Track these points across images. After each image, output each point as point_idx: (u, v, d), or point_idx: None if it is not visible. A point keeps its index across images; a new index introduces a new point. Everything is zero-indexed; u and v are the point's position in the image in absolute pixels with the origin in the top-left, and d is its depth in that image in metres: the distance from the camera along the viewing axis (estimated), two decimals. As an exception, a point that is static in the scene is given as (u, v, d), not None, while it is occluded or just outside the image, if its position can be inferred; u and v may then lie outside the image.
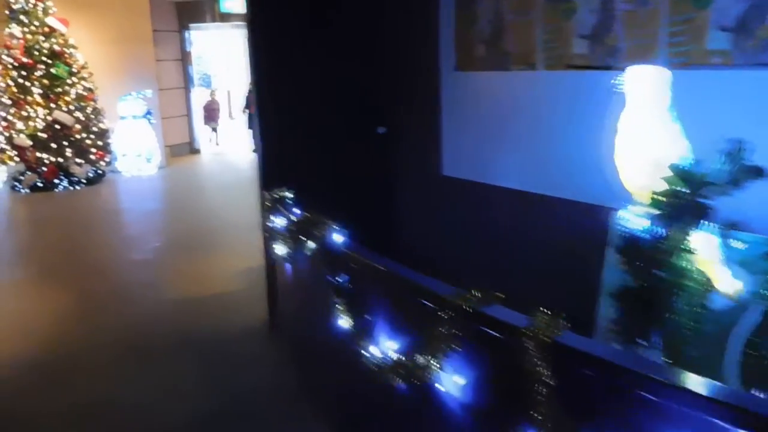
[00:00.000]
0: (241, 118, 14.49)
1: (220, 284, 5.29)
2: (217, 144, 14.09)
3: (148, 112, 10.96)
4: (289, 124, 4.08)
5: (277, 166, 4.05)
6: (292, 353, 3.74)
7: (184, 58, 12.91)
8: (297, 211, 3.28)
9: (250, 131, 12.47)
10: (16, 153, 9.68)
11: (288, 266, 3.54)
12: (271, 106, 4.08)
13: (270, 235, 3.74)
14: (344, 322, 2.61)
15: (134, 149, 10.73)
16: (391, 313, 2.37)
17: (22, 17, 9.60)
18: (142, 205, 8.88)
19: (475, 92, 3.40)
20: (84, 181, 9.97)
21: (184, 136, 12.92)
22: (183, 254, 6.24)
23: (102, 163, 10.28)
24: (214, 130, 14.13)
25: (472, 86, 3.42)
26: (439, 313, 1.97)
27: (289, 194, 3.72)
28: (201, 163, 11.99)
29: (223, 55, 16.48)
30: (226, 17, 12.58)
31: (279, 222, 3.61)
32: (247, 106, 12.35)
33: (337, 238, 2.82)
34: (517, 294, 1.92)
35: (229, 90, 16.43)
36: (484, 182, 3.50)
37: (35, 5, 9.69)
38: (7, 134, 9.68)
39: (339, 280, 2.67)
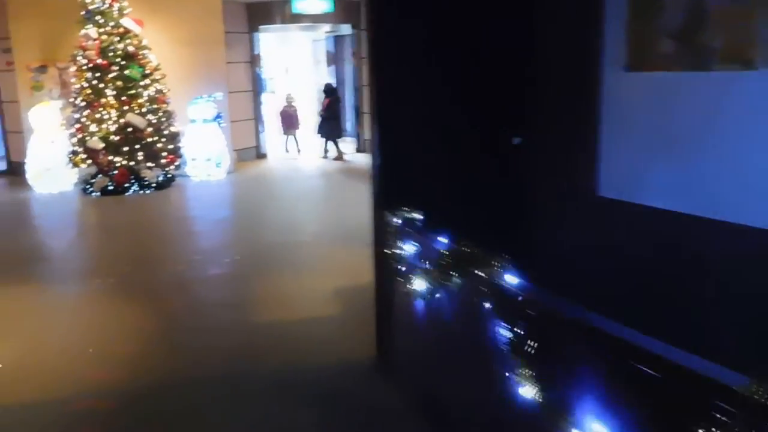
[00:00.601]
0: (311, 124, 14.23)
1: (309, 308, 4.81)
2: (298, 152, 13.10)
3: (219, 116, 10.67)
4: (410, 133, 3.57)
5: (396, 181, 3.54)
6: (421, 409, 3.19)
7: (253, 61, 12.62)
8: (443, 240, 2.75)
9: (322, 138, 12.28)
10: (88, 156, 9.49)
11: (419, 303, 3.02)
12: (391, 113, 3.59)
13: (395, 263, 3.24)
14: (524, 389, 2.07)
15: (204, 153, 10.44)
16: (604, 386, 1.82)
17: (97, 18, 9.41)
18: (215, 213, 8.55)
19: (654, 97, 2.82)
20: (154, 185, 9.72)
21: (251, 141, 12.62)
22: (264, 270, 5.80)
23: (172, 167, 10.01)
24: (293, 138, 13.26)
25: (649, 90, 2.84)
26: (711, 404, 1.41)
27: (418, 216, 3.21)
28: (269, 168, 11.64)
29: (289, 57, 16.17)
30: (296, 18, 12.22)
31: (408, 249, 3.10)
32: (326, 112, 12.12)
33: (510, 279, 2.29)
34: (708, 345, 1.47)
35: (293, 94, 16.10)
36: (653, 206, 2.91)
37: (111, 6, 9.49)
38: (80, 137, 9.49)
39: (517, 333, 2.12)
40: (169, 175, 10.10)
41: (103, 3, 9.44)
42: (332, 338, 4.22)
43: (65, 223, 8.41)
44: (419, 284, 2.95)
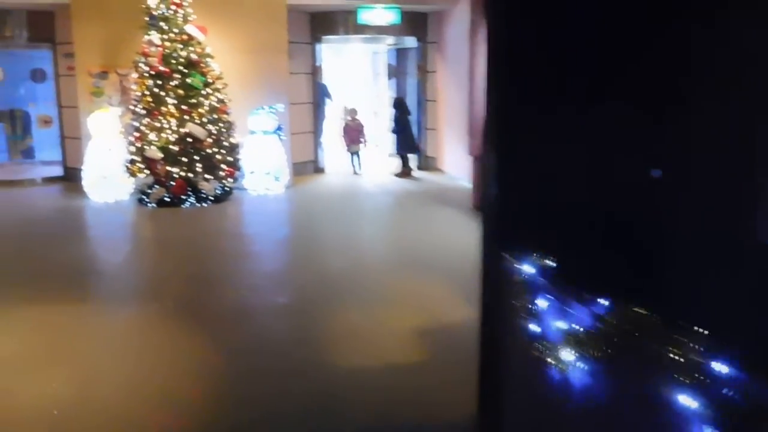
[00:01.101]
0: (381, 140, 13.79)
1: (390, 350, 4.29)
2: (359, 171, 12.03)
3: (279, 128, 10.29)
4: (535, 160, 3.01)
5: (516, 217, 2.98)
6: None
7: (314, 72, 12.25)
8: (602, 301, 2.18)
9: (398, 153, 11.76)
10: (145, 165, 9.19)
11: (556, 373, 2.45)
12: (512, 135, 3.03)
13: (516, 316, 2.68)
14: None
15: (263, 167, 10.06)
16: None
17: (161, 24, 9.13)
18: (275, 231, 8.13)
19: None
20: (211, 198, 9.37)
21: (309, 154, 12.22)
22: (333, 301, 5.30)
23: (230, 179, 9.64)
24: (356, 154, 12.17)
25: None
26: None
27: (551, 263, 2.65)
28: (329, 184, 11.18)
29: (347, 69, 15.78)
30: (361, 29, 11.81)
31: (541, 304, 2.54)
32: (396, 126, 11.48)
33: (720, 367, 1.71)
34: None
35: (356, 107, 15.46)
36: None
37: (176, 12, 9.21)
38: (138, 145, 9.20)
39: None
40: (226, 188, 9.75)
41: (168, 9, 9.17)
42: (421, 390, 3.68)
43: (120, 235, 8.10)
44: (553, 349, 2.39)
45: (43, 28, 11.39)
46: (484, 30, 7.62)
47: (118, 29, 10.20)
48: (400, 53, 14.02)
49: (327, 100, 13.55)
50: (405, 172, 11.72)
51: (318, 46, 12.23)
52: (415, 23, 12.08)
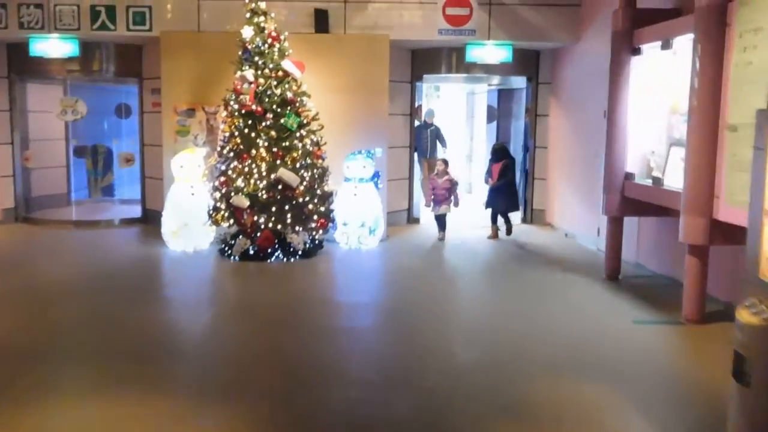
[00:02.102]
0: (475, 191, 12.49)
1: None
2: (442, 236, 9.70)
3: (376, 174, 9.19)
4: None
5: None
6: None
7: (413, 113, 11.17)
8: None
9: (493, 212, 9.91)
10: (230, 214, 8.22)
11: None
12: None
13: None
14: None
15: (357, 217, 8.94)
16: None
17: (256, 59, 8.24)
18: (378, 299, 6.92)
19: None
20: (300, 252, 8.30)
21: (403, 202, 11.07)
22: (478, 417, 4.00)
23: (321, 231, 8.56)
24: (442, 218, 9.68)
25: None
26: None
27: None
28: (426, 238, 9.91)
29: (443, 111, 14.64)
30: (467, 68, 10.67)
31: None
32: (501, 178, 9.68)
33: None
34: None
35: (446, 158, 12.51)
36: None
37: (272, 46, 8.31)
38: (224, 191, 8.26)
39: None
40: (316, 242, 8.68)
41: (264, 43, 8.28)
42: None
43: (201, 296, 7.07)
44: None
45: (131, 63, 10.82)
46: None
47: (207, 64, 9.44)
48: (503, 94, 12.82)
49: (440, 147, 12.71)
50: (496, 233, 9.79)
51: (418, 85, 11.17)
52: (526, 62, 10.87)
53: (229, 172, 8.26)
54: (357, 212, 8.93)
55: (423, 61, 10.96)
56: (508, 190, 9.74)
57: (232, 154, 8.29)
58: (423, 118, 12.17)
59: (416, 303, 6.64)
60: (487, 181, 9.93)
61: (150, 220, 10.62)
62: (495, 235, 9.80)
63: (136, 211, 11.34)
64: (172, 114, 9.73)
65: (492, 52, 10.26)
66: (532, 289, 7.15)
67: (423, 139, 12.27)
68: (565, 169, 10.42)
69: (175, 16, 9.68)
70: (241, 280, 7.57)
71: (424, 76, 11.10)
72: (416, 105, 11.20)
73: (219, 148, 8.56)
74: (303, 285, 7.35)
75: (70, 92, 11.87)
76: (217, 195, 8.37)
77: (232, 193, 8.14)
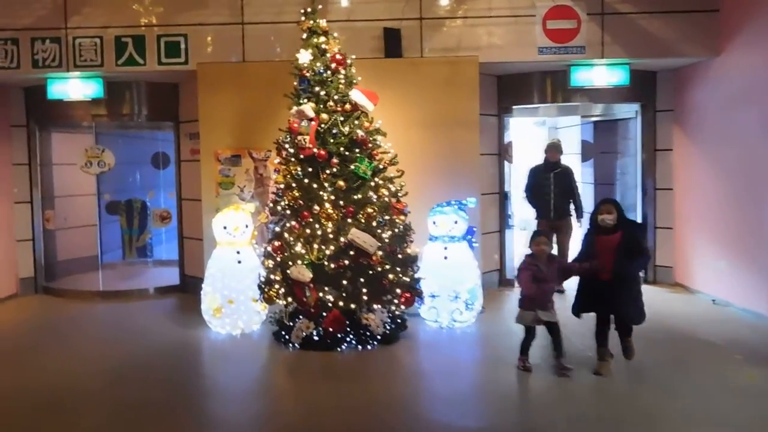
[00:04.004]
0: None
1: None
2: (528, 364, 5.60)
3: (470, 231, 7.19)
4: None
5: None
6: None
7: (501, 153, 9.18)
8: None
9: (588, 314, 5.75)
10: (288, 288, 6.30)
11: None
12: None
13: None
14: None
15: (449, 287, 6.91)
16: None
17: (317, 89, 6.41)
18: (509, 422, 4.76)
19: None
20: (379, 336, 6.30)
21: (493, 261, 9.00)
22: None
23: (404, 308, 6.56)
24: (547, 323, 5.53)
25: None
26: None
27: None
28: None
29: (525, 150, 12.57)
30: (570, 95, 8.68)
31: None
32: (586, 254, 5.45)
33: None
34: None
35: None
36: None
37: (335, 72, 6.48)
38: (278, 259, 6.36)
39: None
40: (398, 320, 6.67)
41: (326, 69, 6.46)
42: None
43: (250, 411, 5.06)
44: None
45: (165, 104, 9.19)
46: None
47: (255, 100, 7.73)
48: (602, 127, 10.73)
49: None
50: (607, 361, 5.47)
51: (506, 119, 9.21)
52: (640, 85, 8.80)
53: (285, 235, 6.37)
54: (449, 280, 6.90)
55: (511, 88, 9.02)
56: (631, 286, 5.35)
57: (288, 211, 6.42)
58: (544, 155, 8.78)
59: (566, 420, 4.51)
60: (590, 270, 5.26)
61: (189, 288, 8.83)
62: (604, 366, 5.41)
63: (173, 276, 9.56)
64: (213, 162, 7.98)
65: (603, 73, 8.26)
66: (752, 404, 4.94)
67: (543, 189, 8.54)
68: (706, 217, 8.22)
69: (215, 45, 8.02)
70: (305, 382, 5.57)
71: (514, 107, 9.12)
72: (505, 142, 9.20)
73: (271, 204, 6.70)
74: (387, 386, 5.31)
75: (100, 141, 10.35)
76: (270, 264, 6.47)
77: (290, 263, 6.22)
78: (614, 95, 8.76)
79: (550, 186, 8.51)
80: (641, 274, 5.63)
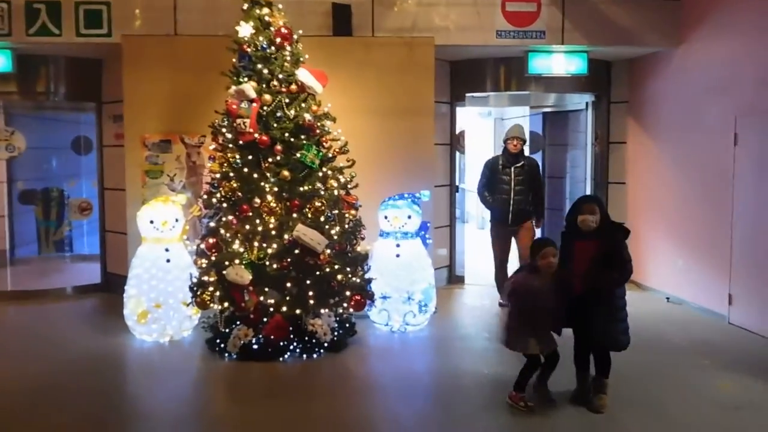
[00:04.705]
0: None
1: None
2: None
3: (424, 226, 6.67)
4: None
5: None
6: None
7: (453, 143, 8.70)
8: None
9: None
10: (224, 291, 5.60)
11: None
12: None
13: None
14: None
15: (402, 287, 6.37)
16: None
17: (259, 67, 5.71)
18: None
19: None
20: (326, 343, 5.69)
21: (443, 257, 8.52)
22: None
23: (354, 311, 5.98)
24: (535, 363, 4.55)
25: None
26: None
27: None
28: (484, 311, 7.36)
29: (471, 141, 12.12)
30: (525, 84, 8.26)
31: None
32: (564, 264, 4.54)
33: None
34: None
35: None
36: None
37: (280, 48, 5.80)
38: (213, 259, 5.65)
39: None
40: (346, 324, 6.09)
41: (270, 44, 5.77)
42: None
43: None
44: None
45: (86, 82, 8.25)
46: None
47: (188, 79, 6.96)
48: (552, 118, 10.41)
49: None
50: (588, 390, 4.62)
51: (458, 108, 8.73)
52: (596, 75, 8.46)
53: (221, 231, 5.66)
54: (401, 280, 6.35)
55: (465, 76, 8.54)
56: (610, 304, 4.41)
57: (225, 203, 5.70)
58: (503, 143, 7.20)
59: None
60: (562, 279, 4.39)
61: (112, 287, 7.94)
62: (602, 399, 4.51)
63: (94, 274, 8.65)
64: (139, 148, 7.16)
65: (561, 61, 7.87)
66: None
67: (500, 187, 7.08)
68: (660, 212, 7.97)
69: (142, 15, 7.17)
70: (240, 398, 4.91)
71: (467, 95, 8.64)
72: (458, 132, 8.72)
73: (205, 195, 5.97)
74: (335, 405, 4.71)
75: (11, 122, 9.31)
76: (204, 263, 5.75)
77: (226, 262, 5.52)
78: (570, 85, 8.41)
79: (510, 183, 7.00)
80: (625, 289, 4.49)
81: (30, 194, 10.34)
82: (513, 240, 7.25)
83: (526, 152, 7.49)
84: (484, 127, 13.22)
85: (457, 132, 8.71)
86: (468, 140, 9.15)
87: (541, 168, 7.65)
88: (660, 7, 7.56)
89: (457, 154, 8.78)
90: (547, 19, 7.47)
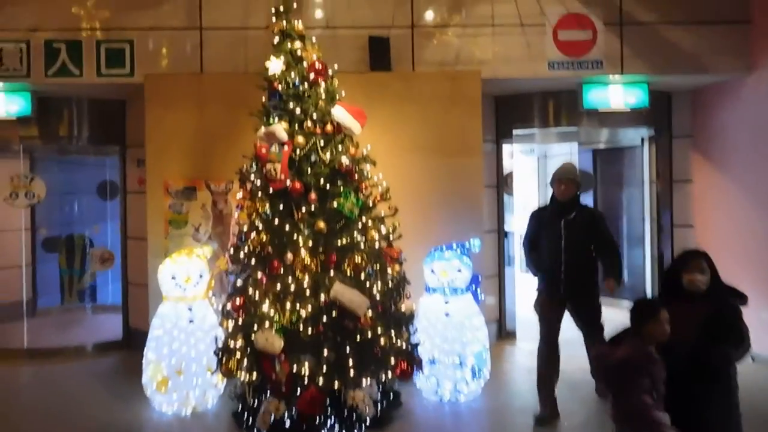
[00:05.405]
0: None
1: None
2: None
3: (475, 280, 5.94)
4: None
5: None
6: None
7: (500, 184, 8.01)
8: None
9: None
10: (252, 359, 4.92)
11: None
12: None
13: None
14: None
15: (452, 350, 5.62)
16: None
17: (290, 105, 5.13)
18: None
19: None
20: (368, 419, 4.96)
21: (492, 311, 7.75)
22: None
23: (400, 380, 5.25)
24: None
25: None
26: None
27: None
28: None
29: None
30: (578, 119, 7.57)
31: None
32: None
33: None
34: None
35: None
36: None
37: (314, 84, 5.22)
38: (240, 322, 4.99)
39: None
40: (391, 395, 5.36)
41: (303, 80, 5.19)
42: None
43: None
44: None
45: (109, 125, 7.82)
46: None
47: (214, 120, 6.43)
48: (603, 156, 9.70)
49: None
50: None
51: (506, 146, 8.07)
52: (655, 108, 7.73)
53: (249, 290, 5.01)
54: (451, 342, 5.61)
55: (511, 110, 7.89)
56: (725, 388, 3.47)
57: (253, 259, 5.07)
58: (551, 189, 5.32)
59: None
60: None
61: (134, 344, 7.33)
62: None
63: (116, 328, 8.08)
64: (162, 195, 6.62)
65: (620, 93, 7.18)
66: None
67: (547, 245, 5.24)
68: (737, 259, 7.11)
69: (167, 53, 6.70)
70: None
71: (514, 131, 7.97)
72: (505, 172, 8.04)
73: (232, 249, 5.34)
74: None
75: (34, 167, 8.90)
76: (230, 325, 5.10)
77: (255, 327, 4.86)
78: (627, 119, 7.68)
79: (560, 241, 5.09)
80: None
81: (53, 241, 9.90)
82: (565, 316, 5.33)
83: (582, 199, 5.46)
84: (527, 165, 12.49)
85: (505, 173, 8.00)
86: (515, 181, 8.45)
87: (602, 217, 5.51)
88: (729, 30, 6.86)
89: (505, 196, 8.06)
90: (604, 47, 6.81)
